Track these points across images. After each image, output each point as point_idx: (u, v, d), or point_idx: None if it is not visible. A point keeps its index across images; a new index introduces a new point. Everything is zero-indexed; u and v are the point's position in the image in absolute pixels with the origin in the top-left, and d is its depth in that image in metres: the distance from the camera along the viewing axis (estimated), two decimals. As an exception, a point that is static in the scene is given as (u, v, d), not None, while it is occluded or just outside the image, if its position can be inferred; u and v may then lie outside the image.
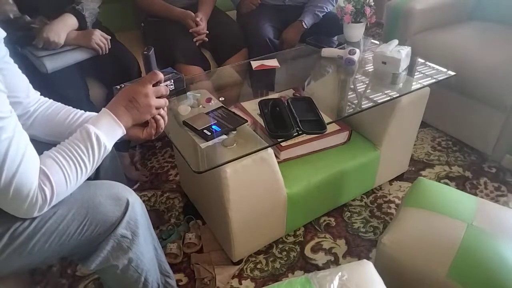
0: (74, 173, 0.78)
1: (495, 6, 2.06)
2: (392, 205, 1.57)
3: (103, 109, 0.86)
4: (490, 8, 2.08)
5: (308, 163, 1.39)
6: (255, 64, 1.58)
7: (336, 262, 1.35)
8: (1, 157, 0.67)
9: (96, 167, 0.83)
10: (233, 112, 1.20)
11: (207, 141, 1.07)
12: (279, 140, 1.16)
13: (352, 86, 1.50)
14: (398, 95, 1.34)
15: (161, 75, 0.89)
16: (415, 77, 1.48)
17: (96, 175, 1.04)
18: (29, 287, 1.27)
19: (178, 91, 1.34)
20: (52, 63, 1.39)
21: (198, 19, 1.76)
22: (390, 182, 1.68)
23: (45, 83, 1.31)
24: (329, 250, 1.39)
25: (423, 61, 1.56)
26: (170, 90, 1.31)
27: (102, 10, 1.62)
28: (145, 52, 0.88)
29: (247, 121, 1.15)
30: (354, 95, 1.43)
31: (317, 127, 1.15)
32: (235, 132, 1.10)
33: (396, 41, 1.48)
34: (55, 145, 0.80)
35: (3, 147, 0.67)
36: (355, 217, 1.52)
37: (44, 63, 1.36)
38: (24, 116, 0.94)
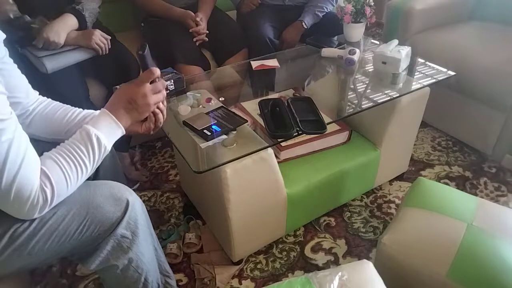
0: (75, 174, 0.78)
1: (495, 6, 2.06)
2: (392, 205, 1.57)
3: (102, 109, 0.86)
4: (490, 8, 2.08)
5: (308, 163, 1.39)
6: (255, 64, 1.58)
7: (336, 262, 1.35)
8: (2, 159, 0.67)
9: (96, 167, 0.83)
10: (233, 112, 1.20)
11: (207, 141, 1.07)
12: (279, 140, 1.16)
13: (352, 86, 1.50)
14: (398, 95, 1.34)
15: (157, 72, 0.87)
16: (415, 77, 1.48)
17: (96, 175, 1.04)
18: (29, 287, 1.27)
19: (178, 91, 1.34)
20: (52, 63, 1.39)
21: (198, 19, 1.76)
22: (390, 182, 1.68)
23: (45, 83, 1.31)
24: (329, 250, 1.39)
25: (423, 61, 1.56)
26: (170, 90, 1.31)
27: (102, 10, 1.62)
28: (139, 52, 0.86)
29: (247, 121, 1.15)
30: (354, 95, 1.43)
31: (317, 127, 1.15)
32: (235, 132, 1.10)
33: (396, 41, 1.48)
34: (53, 144, 0.81)
35: (4, 149, 0.67)
36: (355, 217, 1.52)
37: (44, 63, 1.36)
38: (23, 115, 0.95)
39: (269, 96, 1.41)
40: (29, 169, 0.71)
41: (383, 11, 2.26)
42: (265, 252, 1.39)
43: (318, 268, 1.33)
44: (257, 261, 1.36)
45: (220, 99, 1.30)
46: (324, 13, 1.95)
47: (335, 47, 1.66)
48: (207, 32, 1.81)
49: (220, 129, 1.10)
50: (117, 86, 1.24)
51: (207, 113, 1.18)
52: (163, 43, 1.76)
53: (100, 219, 0.84)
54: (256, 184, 1.16)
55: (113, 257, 0.90)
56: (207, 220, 1.47)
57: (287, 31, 1.92)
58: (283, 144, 1.33)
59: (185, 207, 1.59)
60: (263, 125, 1.16)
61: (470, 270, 0.91)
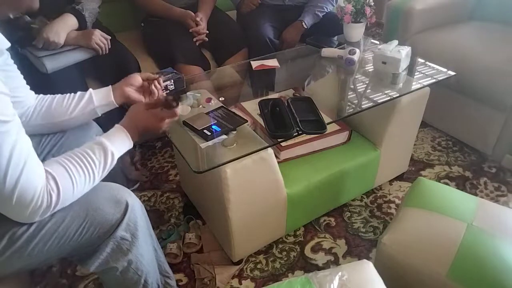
0: (82, 183, 0.79)
1: (495, 6, 2.06)
2: (392, 205, 1.57)
3: (121, 127, 0.90)
4: (490, 8, 2.08)
5: (308, 163, 1.39)
6: (255, 64, 1.58)
7: (336, 262, 1.35)
8: (5, 162, 0.66)
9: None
10: (233, 112, 1.20)
11: (207, 141, 1.07)
12: (279, 140, 1.16)
13: (352, 86, 1.50)
14: (398, 95, 1.34)
15: (178, 114, 0.96)
16: (415, 77, 1.48)
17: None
18: (29, 287, 1.27)
19: (178, 91, 1.34)
20: (52, 63, 1.39)
21: (198, 19, 1.76)
22: (390, 182, 1.68)
23: (45, 83, 1.31)
24: (329, 250, 1.39)
25: (423, 61, 1.56)
26: (170, 90, 1.31)
27: (102, 10, 1.62)
28: (174, 104, 0.94)
29: (247, 121, 1.15)
30: (354, 95, 1.43)
31: (317, 127, 1.14)
32: (235, 132, 1.10)
33: (396, 42, 1.48)
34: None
35: (7, 152, 0.66)
36: (355, 217, 1.52)
37: (44, 63, 1.36)
38: (24, 114, 0.96)
39: (269, 96, 1.41)
40: (32, 172, 0.70)
41: (383, 11, 2.26)
42: (265, 252, 1.39)
43: (318, 268, 1.33)
44: (257, 261, 1.36)
45: (220, 99, 1.30)
46: (324, 13, 1.95)
47: (335, 47, 1.66)
48: (207, 32, 1.81)
49: (220, 129, 1.10)
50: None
51: (207, 113, 1.18)
52: (163, 43, 1.76)
53: (99, 221, 0.84)
54: (256, 184, 1.16)
55: (112, 259, 0.90)
56: (207, 220, 1.47)
57: (287, 31, 1.92)
58: (283, 144, 1.33)
59: (185, 207, 1.59)
60: (263, 125, 1.16)
61: (470, 270, 0.91)
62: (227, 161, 1.03)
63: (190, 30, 1.77)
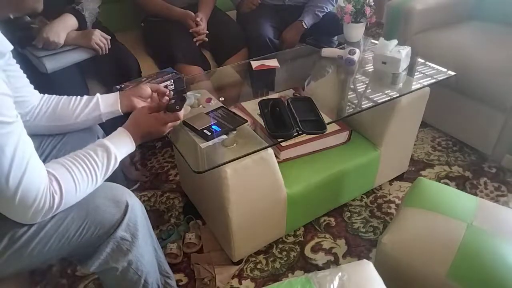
0: (85, 185, 0.80)
1: (495, 6, 2.06)
2: (392, 205, 1.57)
3: (124, 130, 0.91)
4: (490, 8, 2.07)
5: (308, 163, 1.39)
6: (255, 64, 1.58)
7: (336, 262, 1.35)
8: (8, 163, 0.66)
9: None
10: (233, 112, 1.20)
11: (207, 141, 1.07)
12: (279, 140, 1.16)
13: (352, 86, 1.50)
14: (398, 95, 1.34)
15: (182, 117, 0.98)
16: (415, 77, 1.48)
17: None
18: (29, 287, 1.27)
19: (178, 91, 1.34)
20: (52, 63, 1.38)
21: (198, 19, 1.76)
22: (390, 182, 1.68)
23: (45, 83, 1.30)
24: (329, 250, 1.39)
25: (423, 61, 1.56)
26: (170, 90, 1.31)
27: (102, 10, 1.62)
28: (177, 107, 0.96)
29: (247, 121, 1.15)
30: (354, 95, 1.43)
31: (317, 127, 1.14)
32: (235, 132, 1.10)
33: (395, 41, 1.48)
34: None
35: (9, 153, 0.66)
36: (355, 217, 1.52)
37: (44, 63, 1.36)
38: (29, 113, 0.96)
39: (269, 96, 1.41)
40: (34, 173, 0.70)
41: (383, 11, 2.26)
42: (265, 252, 1.39)
43: (318, 268, 1.33)
44: (257, 261, 1.36)
45: (220, 99, 1.30)
46: (324, 13, 1.95)
47: (335, 47, 1.66)
48: (207, 32, 1.81)
49: (220, 129, 1.10)
50: (118, 86, 1.24)
51: (207, 113, 1.18)
52: (163, 43, 1.76)
53: (99, 221, 0.84)
54: (256, 184, 1.16)
55: (112, 259, 0.90)
56: (207, 220, 1.47)
57: (287, 31, 1.92)
58: (283, 144, 1.33)
59: (185, 207, 1.59)
60: (263, 125, 1.16)
61: (470, 270, 0.91)
62: (227, 161, 1.03)
63: (190, 30, 1.77)
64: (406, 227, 1.04)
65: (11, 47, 0.82)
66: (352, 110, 1.34)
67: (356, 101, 1.39)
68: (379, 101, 1.30)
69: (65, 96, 1.03)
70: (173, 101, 0.97)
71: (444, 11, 2.05)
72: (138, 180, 1.73)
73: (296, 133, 1.11)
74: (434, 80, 1.41)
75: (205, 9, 1.86)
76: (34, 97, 0.98)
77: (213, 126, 1.11)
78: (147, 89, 1.09)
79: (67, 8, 1.47)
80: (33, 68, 1.38)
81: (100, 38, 1.47)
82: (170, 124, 0.96)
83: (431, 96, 1.46)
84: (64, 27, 1.40)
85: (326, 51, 1.61)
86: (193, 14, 1.77)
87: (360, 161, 1.44)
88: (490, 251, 0.93)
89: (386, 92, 1.36)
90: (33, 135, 0.74)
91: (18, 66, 0.92)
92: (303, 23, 1.90)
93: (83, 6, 1.49)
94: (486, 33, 1.93)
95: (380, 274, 0.82)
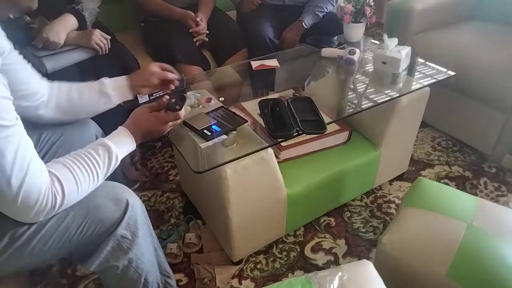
0: (87, 185, 0.80)
1: (495, 6, 2.06)
2: (392, 205, 1.57)
3: (125, 129, 0.91)
4: (490, 8, 2.07)
5: (308, 163, 1.39)
6: (255, 64, 1.58)
7: (336, 262, 1.35)
8: (9, 166, 0.66)
9: None
10: (233, 112, 1.20)
11: (207, 141, 1.07)
12: (279, 140, 1.16)
13: (352, 86, 1.50)
14: (398, 95, 1.34)
15: (182, 116, 0.99)
16: (415, 77, 1.48)
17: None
18: (29, 287, 1.27)
19: (178, 91, 1.34)
20: (52, 63, 1.38)
21: (198, 19, 1.76)
22: (390, 182, 1.68)
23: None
24: (329, 250, 1.39)
25: (423, 61, 1.56)
26: (170, 90, 1.31)
27: (102, 10, 1.62)
28: (177, 107, 0.96)
29: (247, 121, 1.15)
30: (354, 95, 1.43)
31: (317, 127, 1.14)
32: (235, 132, 1.10)
33: (395, 41, 1.48)
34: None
35: (11, 156, 0.66)
36: (355, 217, 1.52)
37: (44, 63, 1.36)
38: (40, 105, 0.96)
39: (269, 96, 1.41)
40: (36, 174, 0.71)
41: (383, 11, 2.26)
42: (265, 252, 1.39)
43: (318, 268, 1.33)
44: (257, 261, 1.36)
45: (220, 99, 1.30)
46: (324, 13, 1.95)
47: (335, 47, 1.66)
48: (207, 32, 1.81)
49: (220, 129, 1.10)
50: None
51: (207, 113, 1.18)
52: (163, 43, 1.76)
53: (100, 219, 0.84)
54: (256, 184, 1.16)
55: (113, 257, 0.90)
56: (207, 220, 1.47)
57: (287, 31, 1.92)
58: (283, 144, 1.33)
59: (185, 207, 1.59)
60: (263, 125, 1.16)
61: (470, 270, 0.91)
62: (227, 161, 1.03)
63: (190, 30, 1.77)
64: (406, 227, 1.04)
65: (9, 46, 0.82)
66: (352, 110, 1.34)
67: (356, 101, 1.39)
68: (379, 101, 1.30)
69: (76, 86, 1.03)
70: (173, 100, 0.98)
71: (444, 11, 2.05)
72: (138, 180, 1.73)
73: (296, 133, 1.11)
74: (434, 80, 1.41)
75: (205, 9, 1.86)
76: (42, 87, 0.97)
77: (213, 126, 1.11)
78: (154, 80, 1.11)
79: (67, 8, 1.47)
80: (32, 68, 1.38)
81: (100, 38, 1.47)
82: (170, 123, 0.97)
83: (431, 96, 1.46)
84: (64, 27, 1.40)
85: (326, 51, 1.61)
86: (193, 14, 1.77)
87: (360, 161, 1.44)
88: (490, 251, 0.93)
89: (386, 92, 1.36)
90: (31, 133, 0.74)
91: (21, 58, 0.92)
92: (303, 23, 1.90)
93: (83, 6, 1.49)
94: (486, 33, 1.93)
95: (380, 274, 0.82)
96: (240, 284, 1.29)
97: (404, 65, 1.45)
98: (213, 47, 1.89)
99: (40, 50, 1.37)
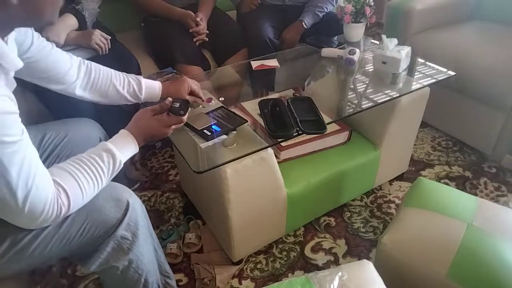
0: (91, 191, 0.80)
1: (495, 6, 2.06)
2: (392, 205, 1.57)
3: (127, 133, 0.91)
4: (491, 8, 2.08)
5: (308, 163, 1.39)
6: (255, 64, 1.58)
7: (336, 262, 1.35)
8: (15, 179, 0.66)
9: None
10: (233, 112, 1.20)
11: (207, 141, 1.07)
12: (279, 140, 1.16)
13: (352, 86, 1.50)
14: (398, 95, 1.34)
15: (185, 120, 1.00)
16: (415, 77, 1.48)
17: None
18: (29, 287, 1.27)
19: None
20: (52, 63, 1.38)
21: (198, 19, 1.76)
22: (390, 182, 1.68)
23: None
24: (329, 250, 1.39)
25: (423, 61, 1.56)
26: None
27: (102, 10, 1.62)
28: (181, 112, 0.97)
29: (247, 121, 1.15)
30: (354, 95, 1.43)
31: (317, 127, 1.14)
32: (235, 132, 1.10)
33: (395, 41, 1.48)
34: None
35: (15, 170, 0.66)
36: (355, 217, 1.52)
37: (44, 63, 1.36)
38: (70, 87, 1.01)
39: (269, 96, 1.41)
40: (41, 185, 0.71)
41: (383, 11, 2.26)
42: (265, 252, 1.39)
43: (318, 268, 1.33)
44: (257, 261, 1.36)
45: (220, 99, 1.30)
46: (324, 13, 1.94)
47: (335, 47, 1.66)
48: (207, 32, 1.81)
49: (220, 129, 1.10)
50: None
51: (207, 113, 1.18)
52: (163, 43, 1.76)
53: (100, 220, 0.84)
54: (256, 184, 1.16)
55: (113, 258, 0.90)
56: (207, 220, 1.47)
57: (287, 31, 1.92)
58: (283, 144, 1.33)
59: (185, 207, 1.59)
60: (263, 125, 1.16)
61: (470, 270, 0.91)
62: (227, 161, 1.03)
63: (190, 30, 1.77)
64: (406, 227, 1.05)
65: (30, 39, 0.85)
66: (352, 110, 1.34)
67: (356, 101, 1.39)
68: (379, 101, 1.30)
69: (110, 74, 1.09)
70: (177, 104, 0.97)
71: (444, 11, 2.05)
72: (138, 180, 1.73)
73: (296, 133, 1.11)
74: (434, 80, 1.41)
75: (205, 9, 1.85)
76: (72, 69, 1.00)
77: (213, 126, 1.11)
78: (184, 93, 1.15)
79: (67, 8, 1.46)
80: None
81: (100, 38, 1.47)
82: (173, 126, 0.97)
83: (431, 96, 1.46)
84: (64, 27, 1.40)
85: (326, 51, 1.61)
86: (193, 14, 1.77)
87: (360, 161, 1.44)
88: (490, 251, 0.93)
89: (386, 92, 1.36)
90: (33, 134, 0.74)
91: (41, 42, 0.93)
92: (303, 23, 1.90)
93: (83, 6, 1.49)
94: (486, 33, 1.94)
95: (380, 274, 0.82)
96: (240, 284, 1.29)
97: (404, 65, 1.45)
98: (213, 47, 1.89)
99: (40, 50, 1.37)
